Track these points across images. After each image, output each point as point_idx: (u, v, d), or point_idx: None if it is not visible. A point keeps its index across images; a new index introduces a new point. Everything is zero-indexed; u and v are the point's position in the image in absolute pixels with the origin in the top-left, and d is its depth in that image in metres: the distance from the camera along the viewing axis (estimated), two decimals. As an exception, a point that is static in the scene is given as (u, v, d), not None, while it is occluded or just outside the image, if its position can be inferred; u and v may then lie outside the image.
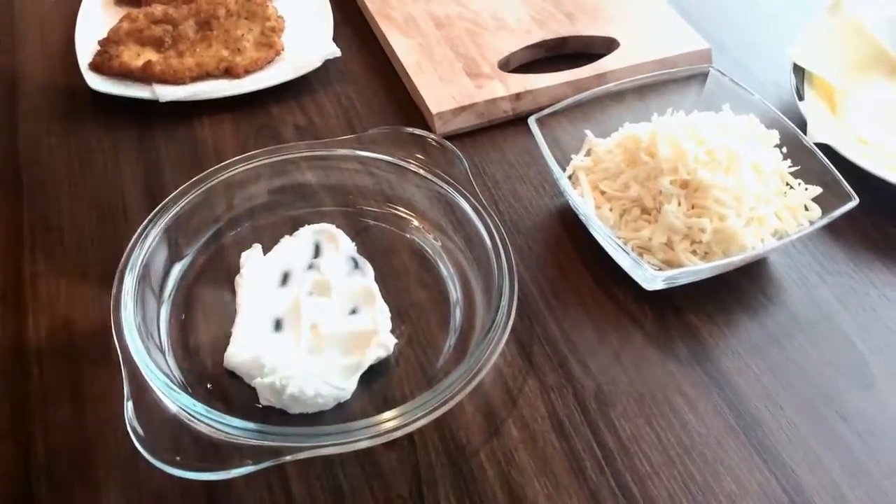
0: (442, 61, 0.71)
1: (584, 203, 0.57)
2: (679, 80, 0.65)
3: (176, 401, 0.45)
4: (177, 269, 0.55)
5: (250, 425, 0.45)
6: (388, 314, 0.53)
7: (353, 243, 0.58)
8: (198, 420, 0.44)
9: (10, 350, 0.53)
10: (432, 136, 0.61)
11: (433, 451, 0.48)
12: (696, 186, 0.55)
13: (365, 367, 0.50)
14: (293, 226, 0.59)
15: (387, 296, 0.54)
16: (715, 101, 0.62)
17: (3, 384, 0.51)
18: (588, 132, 0.62)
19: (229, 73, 0.70)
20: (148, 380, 0.46)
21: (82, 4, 0.77)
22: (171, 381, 0.47)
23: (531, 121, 0.60)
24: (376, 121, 0.69)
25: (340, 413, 0.50)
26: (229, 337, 0.52)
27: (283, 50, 0.73)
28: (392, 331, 0.52)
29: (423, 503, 0.46)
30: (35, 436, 0.49)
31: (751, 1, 0.83)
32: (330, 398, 0.49)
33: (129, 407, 0.45)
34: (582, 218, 0.58)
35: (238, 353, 0.50)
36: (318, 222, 0.59)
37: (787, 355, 0.54)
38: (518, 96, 0.68)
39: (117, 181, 0.64)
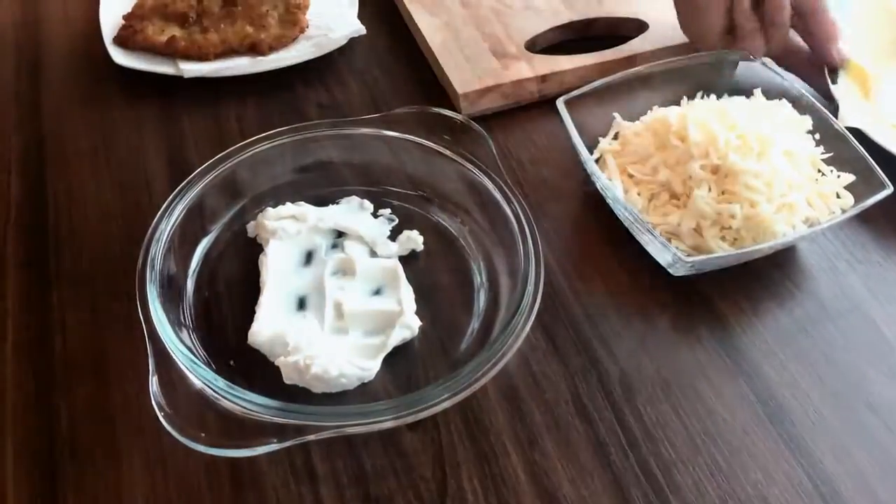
0: (468, 41, 0.70)
1: (613, 187, 0.56)
2: (709, 64, 0.64)
3: (200, 377, 0.45)
4: (201, 246, 0.55)
5: (274, 403, 0.45)
6: (413, 295, 0.53)
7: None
8: (222, 396, 0.44)
9: (34, 323, 0.53)
10: (459, 116, 0.60)
11: (456, 433, 0.48)
12: (726, 172, 0.54)
13: (389, 348, 0.50)
14: (317, 204, 0.58)
15: (411, 277, 0.54)
16: (746, 85, 0.61)
17: (27, 357, 0.52)
18: (616, 115, 0.61)
19: (254, 49, 0.70)
20: (173, 355, 0.46)
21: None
22: (196, 356, 0.47)
23: (559, 102, 0.59)
24: (401, 100, 0.68)
25: (363, 393, 0.49)
26: (253, 314, 0.52)
27: (307, 27, 0.72)
28: (416, 312, 0.52)
29: (445, 485, 0.46)
30: (59, 409, 0.49)
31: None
32: (353, 378, 0.49)
33: (153, 381, 0.45)
34: (609, 202, 0.57)
35: (262, 331, 0.50)
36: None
37: (815, 344, 0.53)
38: (544, 78, 0.67)
39: (141, 156, 0.64)
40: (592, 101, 0.61)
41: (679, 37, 0.70)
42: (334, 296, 0.52)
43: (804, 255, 0.58)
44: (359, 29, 0.71)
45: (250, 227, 0.57)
